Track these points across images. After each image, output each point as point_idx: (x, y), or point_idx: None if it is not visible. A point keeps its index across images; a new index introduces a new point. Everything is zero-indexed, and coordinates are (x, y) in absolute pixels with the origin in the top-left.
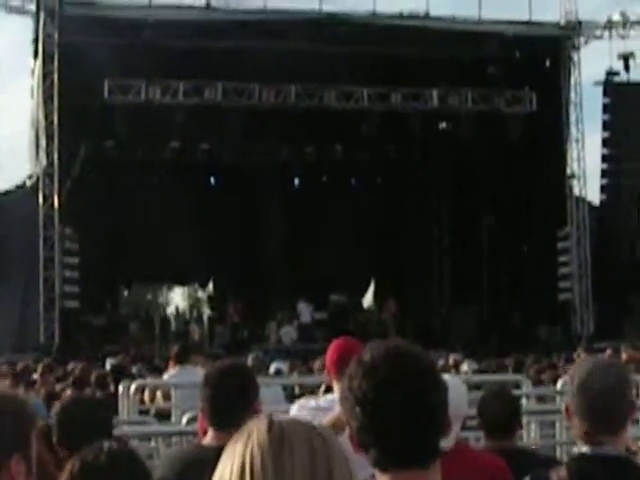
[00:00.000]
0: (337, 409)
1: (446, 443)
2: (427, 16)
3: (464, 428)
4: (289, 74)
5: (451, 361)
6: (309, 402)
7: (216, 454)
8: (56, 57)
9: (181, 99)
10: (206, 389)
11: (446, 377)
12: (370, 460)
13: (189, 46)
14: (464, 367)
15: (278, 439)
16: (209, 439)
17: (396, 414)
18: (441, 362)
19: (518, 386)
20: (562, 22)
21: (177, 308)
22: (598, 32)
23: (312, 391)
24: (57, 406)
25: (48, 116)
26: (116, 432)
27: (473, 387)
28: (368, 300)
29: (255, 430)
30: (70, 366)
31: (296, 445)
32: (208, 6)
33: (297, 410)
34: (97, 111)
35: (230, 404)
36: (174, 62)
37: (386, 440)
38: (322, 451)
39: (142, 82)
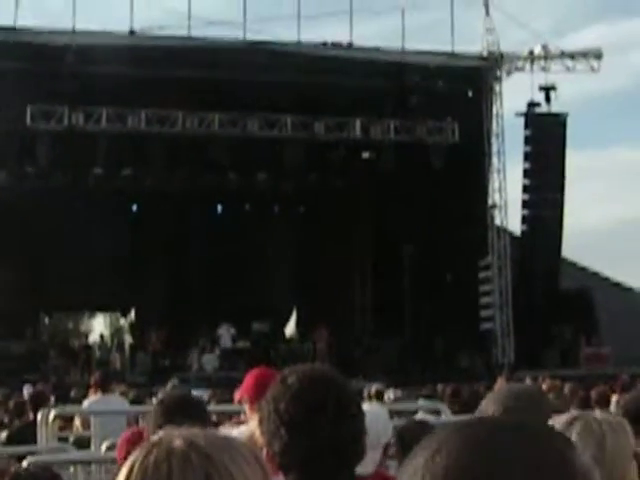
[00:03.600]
0: (246, 431)
1: (363, 469)
2: (351, 46)
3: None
4: (212, 102)
5: (373, 390)
6: (231, 431)
7: None
8: None
9: (104, 126)
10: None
11: (366, 406)
12: None
13: (113, 73)
14: (388, 395)
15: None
16: None
17: (322, 438)
18: (365, 391)
19: (438, 413)
20: (484, 54)
21: (99, 336)
22: (520, 64)
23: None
24: None
25: None
26: (35, 459)
27: (395, 414)
28: (291, 329)
29: (143, 447)
30: None
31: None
32: (132, 33)
33: None
34: (19, 137)
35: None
36: (97, 88)
37: (309, 463)
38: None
39: (65, 108)
